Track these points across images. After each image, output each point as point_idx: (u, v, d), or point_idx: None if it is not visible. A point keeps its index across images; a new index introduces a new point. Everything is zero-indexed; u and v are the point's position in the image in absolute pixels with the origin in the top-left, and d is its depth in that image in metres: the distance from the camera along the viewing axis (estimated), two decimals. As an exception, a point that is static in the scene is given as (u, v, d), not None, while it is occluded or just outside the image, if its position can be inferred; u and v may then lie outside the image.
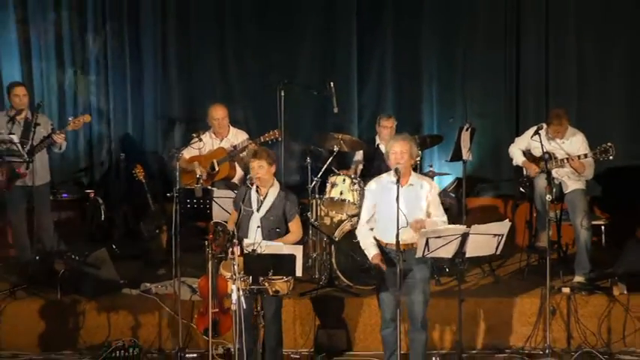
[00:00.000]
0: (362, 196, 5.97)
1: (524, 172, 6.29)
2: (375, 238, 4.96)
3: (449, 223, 4.93)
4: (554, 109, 6.33)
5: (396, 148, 4.84)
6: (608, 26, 7.48)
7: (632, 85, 7.52)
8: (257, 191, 5.14)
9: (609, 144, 5.78)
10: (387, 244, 4.87)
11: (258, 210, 5.12)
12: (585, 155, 5.92)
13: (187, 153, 6.61)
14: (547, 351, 5.55)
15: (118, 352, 5.57)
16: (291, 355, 5.64)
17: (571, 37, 7.53)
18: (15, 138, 6.13)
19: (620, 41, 7.47)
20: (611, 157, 5.82)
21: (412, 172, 4.97)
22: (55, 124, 6.71)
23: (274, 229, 5.13)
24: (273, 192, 5.18)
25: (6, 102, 6.82)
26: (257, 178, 5.07)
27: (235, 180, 6.72)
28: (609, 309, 5.73)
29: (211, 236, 5.02)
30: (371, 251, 4.94)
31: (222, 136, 6.76)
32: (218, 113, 6.72)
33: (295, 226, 5.23)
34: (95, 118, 7.66)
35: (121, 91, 7.87)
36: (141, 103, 7.90)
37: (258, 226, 5.10)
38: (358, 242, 5.17)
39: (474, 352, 5.63)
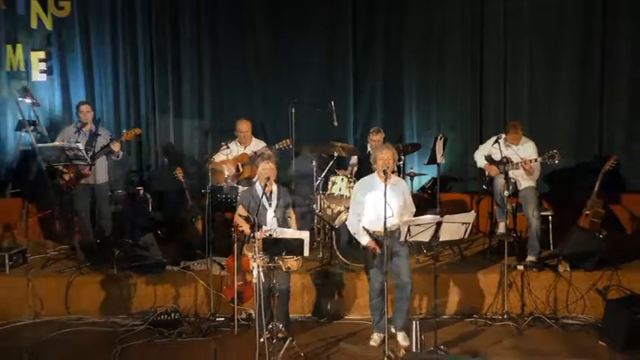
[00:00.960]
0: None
1: (486, 173, 6.24)
2: (364, 227, 4.93)
3: (426, 214, 4.95)
4: (510, 121, 6.28)
5: (383, 155, 4.87)
6: (557, 53, 7.41)
7: (575, 103, 7.44)
8: (264, 189, 5.09)
9: (555, 150, 5.75)
10: (374, 231, 4.84)
11: (270, 205, 5.11)
12: (536, 159, 5.87)
13: (217, 158, 6.57)
14: (505, 316, 5.53)
15: (162, 316, 5.55)
16: (298, 319, 5.59)
17: (524, 66, 7.47)
18: (80, 145, 6.12)
19: (566, 66, 7.41)
20: (556, 162, 5.78)
21: (392, 174, 4.96)
22: (113, 135, 6.69)
23: (284, 216, 5.16)
24: (276, 188, 5.18)
25: (74, 116, 6.85)
26: (267, 177, 5.06)
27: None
28: (555, 282, 5.68)
29: (240, 225, 5.01)
30: (364, 239, 4.92)
31: (245, 145, 6.73)
32: (243, 127, 6.70)
33: (293, 212, 5.31)
34: (144, 129, 7.64)
35: (164, 106, 7.83)
36: (180, 116, 7.85)
37: (274, 217, 5.10)
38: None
39: (446, 317, 5.59)
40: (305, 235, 4.78)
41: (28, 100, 7.09)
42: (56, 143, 6.34)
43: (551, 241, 6.27)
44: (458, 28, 7.55)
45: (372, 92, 7.76)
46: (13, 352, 5.10)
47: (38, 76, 7.77)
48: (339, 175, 6.40)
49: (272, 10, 7.69)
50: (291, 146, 6.58)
